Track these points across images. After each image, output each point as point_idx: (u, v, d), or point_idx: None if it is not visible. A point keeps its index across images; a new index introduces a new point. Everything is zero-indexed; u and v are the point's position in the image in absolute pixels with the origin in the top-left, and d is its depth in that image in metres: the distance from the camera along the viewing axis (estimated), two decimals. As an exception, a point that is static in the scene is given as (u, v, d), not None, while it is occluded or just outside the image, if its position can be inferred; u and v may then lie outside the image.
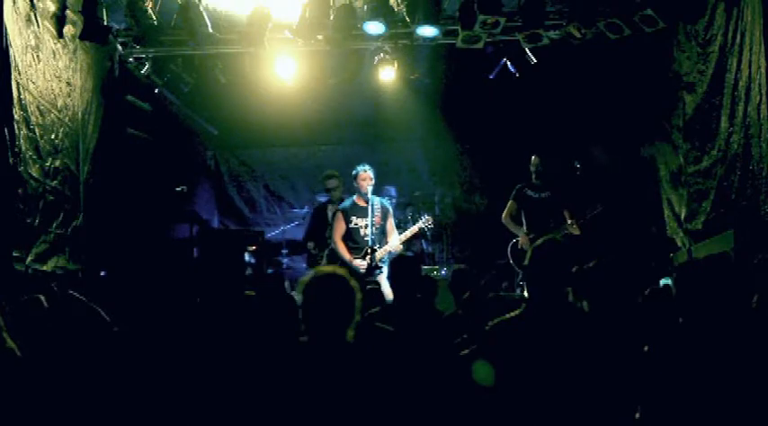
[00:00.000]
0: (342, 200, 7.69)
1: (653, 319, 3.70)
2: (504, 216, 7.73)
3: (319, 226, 8.20)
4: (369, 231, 7.08)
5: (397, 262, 4.74)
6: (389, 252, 7.07)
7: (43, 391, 3.20)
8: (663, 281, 5.49)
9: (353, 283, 3.02)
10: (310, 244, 8.29)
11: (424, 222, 7.47)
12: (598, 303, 3.75)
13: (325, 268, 3.16)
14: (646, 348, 3.12)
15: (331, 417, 2.87)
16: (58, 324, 3.70)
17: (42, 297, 3.81)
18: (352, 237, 7.23)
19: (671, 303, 3.59)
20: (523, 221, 7.66)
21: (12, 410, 3.01)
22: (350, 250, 7.18)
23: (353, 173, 7.29)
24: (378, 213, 7.19)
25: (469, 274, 5.33)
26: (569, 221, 7.40)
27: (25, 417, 3.05)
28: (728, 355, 2.89)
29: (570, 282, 3.19)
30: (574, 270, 3.27)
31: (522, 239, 7.50)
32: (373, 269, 6.96)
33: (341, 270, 3.09)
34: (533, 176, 7.65)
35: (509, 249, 7.66)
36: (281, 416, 2.90)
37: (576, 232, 7.32)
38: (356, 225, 7.22)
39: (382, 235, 7.28)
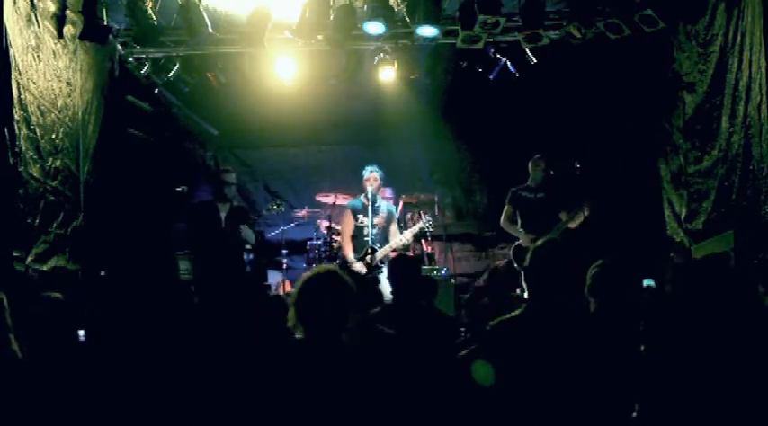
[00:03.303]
0: (232, 199, 7.58)
1: (652, 318, 3.71)
2: (502, 220, 7.77)
3: (207, 226, 7.38)
4: (369, 230, 7.18)
5: (396, 262, 4.73)
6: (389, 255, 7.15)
7: (43, 393, 3.19)
8: (646, 282, 5.49)
9: (347, 277, 3.07)
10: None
11: (425, 222, 7.56)
12: (600, 303, 3.75)
13: (320, 267, 3.20)
14: (642, 347, 3.13)
15: (329, 416, 2.87)
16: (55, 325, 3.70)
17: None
18: (356, 235, 7.35)
19: (670, 302, 3.60)
20: (519, 222, 7.66)
21: (12, 411, 3.00)
22: (354, 248, 7.29)
23: (363, 173, 7.42)
24: (382, 215, 7.40)
25: (410, 261, 4.95)
26: (566, 217, 7.38)
27: (26, 418, 3.04)
28: (727, 354, 2.90)
29: (570, 282, 3.20)
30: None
31: (523, 240, 7.49)
32: (373, 268, 7.06)
33: (333, 267, 3.15)
34: (531, 178, 7.66)
35: (512, 250, 7.66)
36: (279, 414, 2.91)
37: (574, 224, 7.28)
38: (362, 223, 7.35)
39: (384, 237, 7.36)
